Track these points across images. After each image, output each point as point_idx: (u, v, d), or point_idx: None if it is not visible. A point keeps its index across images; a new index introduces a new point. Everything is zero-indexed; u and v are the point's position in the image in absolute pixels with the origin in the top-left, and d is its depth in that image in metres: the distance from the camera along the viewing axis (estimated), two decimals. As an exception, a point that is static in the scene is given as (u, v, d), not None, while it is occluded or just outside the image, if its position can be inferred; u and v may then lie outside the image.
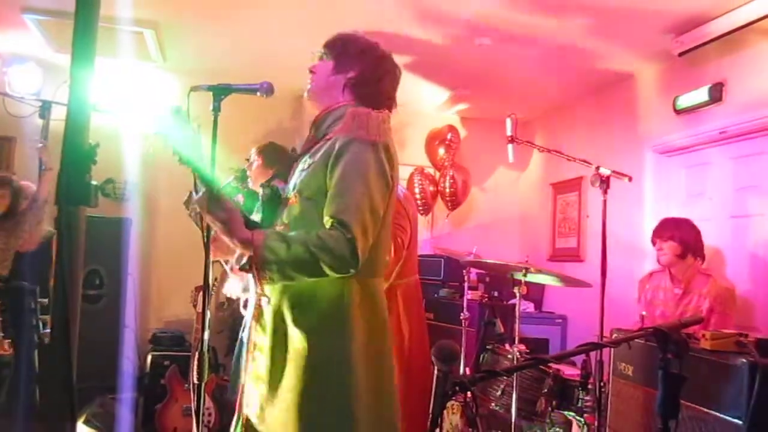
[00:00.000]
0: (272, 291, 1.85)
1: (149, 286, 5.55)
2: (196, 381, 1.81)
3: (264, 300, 1.87)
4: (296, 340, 1.79)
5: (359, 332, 1.80)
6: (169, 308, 5.53)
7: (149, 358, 4.98)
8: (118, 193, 5.36)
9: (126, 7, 3.79)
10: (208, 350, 1.91)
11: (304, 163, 1.93)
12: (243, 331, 3.57)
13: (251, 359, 1.89)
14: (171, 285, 5.40)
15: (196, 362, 1.82)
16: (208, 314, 1.96)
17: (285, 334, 1.81)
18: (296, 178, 1.93)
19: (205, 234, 1.88)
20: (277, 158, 3.56)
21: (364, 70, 1.98)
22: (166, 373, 4.78)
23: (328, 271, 1.70)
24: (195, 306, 4.47)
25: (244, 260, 1.83)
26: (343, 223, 1.70)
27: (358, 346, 1.79)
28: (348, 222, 1.70)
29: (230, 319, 5.47)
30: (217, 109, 1.91)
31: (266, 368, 1.82)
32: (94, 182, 1.04)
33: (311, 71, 2.05)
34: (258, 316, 1.89)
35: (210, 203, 1.72)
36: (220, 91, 1.93)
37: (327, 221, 1.74)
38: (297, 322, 1.80)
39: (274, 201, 1.93)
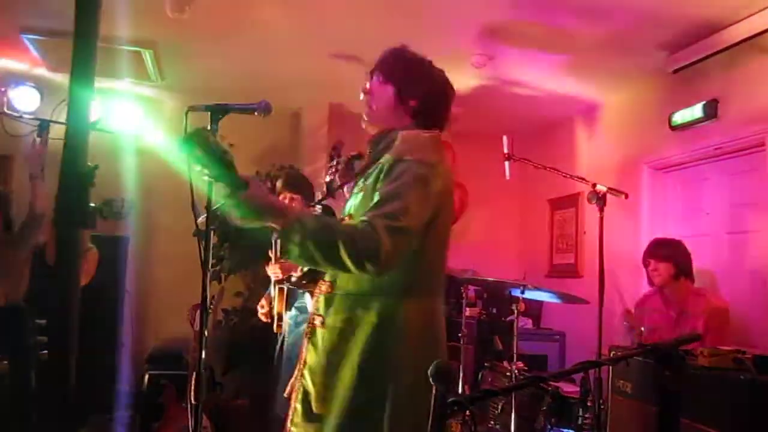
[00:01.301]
0: (323, 306, 1.87)
1: (147, 305, 5.54)
2: (194, 401, 1.80)
3: (318, 319, 1.88)
4: (347, 360, 1.80)
5: (412, 352, 1.79)
6: (167, 326, 5.50)
7: (146, 377, 4.95)
8: (116, 211, 5.37)
9: (124, 27, 3.82)
10: (206, 369, 1.91)
11: (357, 186, 1.94)
12: (281, 347, 3.53)
13: (300, 376, 1.90)
14: (168, 303, 5.39)
15: (194, 382, 1.81)
16: (206, 333, 1.96)
17: (336, 353, 1.82)
18: (351, 200, 1.95)
19: (203, 252, 1.88)
20: (299, 184, 3.51)
21: (426, 100, 1.96)
22: (162, 391, 4.75)
23: (345, 259, 1.64)
24: (192, 324, 4.46)
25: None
26: (372, 225, 1.67)
27: (410, 366, 1.77)
28: (377, 226, 1.66)
29: (228, 337, 5.46)
30: (214, 130, 1.92)
31: (315, 388, 1.84)
32: (92, 204, 1.04)
33: (366, 92, 2.01)
34: (310, 334, 1.91)
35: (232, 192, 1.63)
36: (217, 111, 1.93)
37: (358, 222, 1.72)
38: (349, 341, 1.80)
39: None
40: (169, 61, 4.67)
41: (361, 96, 2.02)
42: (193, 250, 1.97)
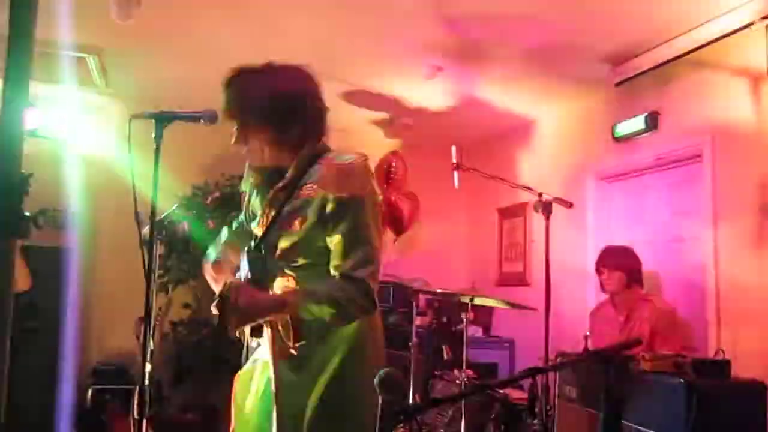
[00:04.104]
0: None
1: (91, 318, 5.37)
2: (136, 416, 1.75)
3: (260, 362, 1.90)
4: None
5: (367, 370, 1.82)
6: (112, 340, 5.35)
7: (89, 392, 4.80)
8: (58, 221, 5.19)
9: (68, 32, 3.71)
10: (151, 383, 1.86)
11: (288, 206, 1.86)
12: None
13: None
14: (114, 316, 5.23)
15: (136, 397, 1.76)
16: (151, 345, 1.91)
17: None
18: (273, 230, 1.87)
19: (146, 263, 1.84)
20: None
21: (308, 122, 1.91)
22: (106, 407, 4.61)
23: (353, 315, 1.81)
24: (138, 338, 4.35)
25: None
26: (358, 279, 1.79)
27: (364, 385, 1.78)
28: (362, 277, 1.79)
29: (176, 350, 5.34)
30: (159, 137, 1.88)
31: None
32: (27, 213, 1.01)
33: (239, 144, 1.95)
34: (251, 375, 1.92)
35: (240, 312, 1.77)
36: (162, 119, 1.89)
37: (339, 276, 1.81)
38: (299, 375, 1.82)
39: (261, 265, 1.89)
40: (114, 67, 4.56)
41: (240, 148, 1.95)
42: (139, 260, 1.92)
